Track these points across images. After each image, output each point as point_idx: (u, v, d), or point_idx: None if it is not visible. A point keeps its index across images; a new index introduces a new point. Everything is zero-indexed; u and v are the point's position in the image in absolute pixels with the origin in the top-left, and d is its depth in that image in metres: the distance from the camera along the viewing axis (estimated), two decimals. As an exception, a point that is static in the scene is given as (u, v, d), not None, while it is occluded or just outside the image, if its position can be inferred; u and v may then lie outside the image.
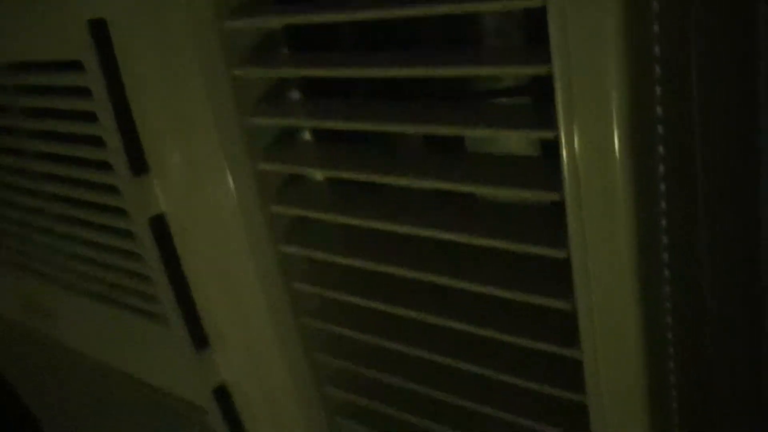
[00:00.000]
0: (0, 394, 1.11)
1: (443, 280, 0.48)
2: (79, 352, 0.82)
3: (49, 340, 0.87)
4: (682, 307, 0.43)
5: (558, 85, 0.36)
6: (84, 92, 0.56)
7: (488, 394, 0.53)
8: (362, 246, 0.53)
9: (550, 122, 0.38)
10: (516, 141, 0.50)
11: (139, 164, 0.57)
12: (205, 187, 0.56)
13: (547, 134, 0.38)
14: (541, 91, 0.46)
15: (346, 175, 0.49)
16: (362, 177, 0.48)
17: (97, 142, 0.58)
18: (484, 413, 0.53)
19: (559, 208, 0.41)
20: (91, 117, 0.57)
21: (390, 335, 0.55)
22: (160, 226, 0.60)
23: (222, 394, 0.68)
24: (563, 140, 0.38)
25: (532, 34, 0.46)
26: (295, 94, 0.54)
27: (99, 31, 0.53)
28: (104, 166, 0.59)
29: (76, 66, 0.55)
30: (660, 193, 0.39)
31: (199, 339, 0.65)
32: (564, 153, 0.38)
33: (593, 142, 0.37)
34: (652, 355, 0.42)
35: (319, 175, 0.57)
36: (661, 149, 0.38)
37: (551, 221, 0.44)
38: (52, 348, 0.88)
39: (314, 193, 0.56)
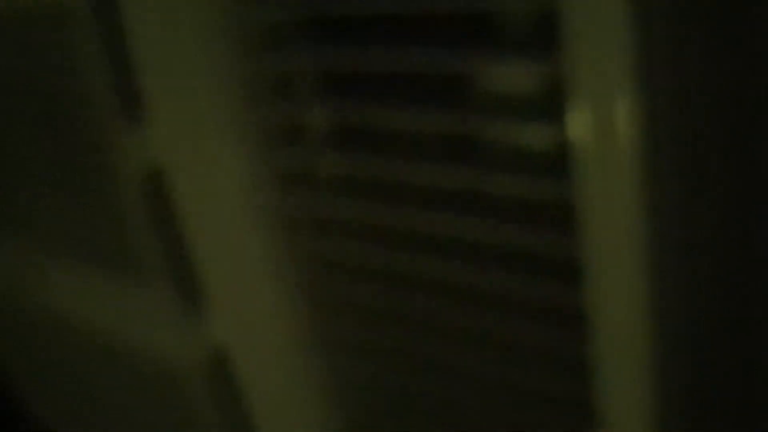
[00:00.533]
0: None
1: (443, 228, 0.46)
2: (70, 321, 0.81)
3: (43, 312, 0.85)
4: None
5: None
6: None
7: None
8: (361, 195, 0.52)
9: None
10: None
11: (135, 111, 0.54)
12: (206, 138, 0.54)
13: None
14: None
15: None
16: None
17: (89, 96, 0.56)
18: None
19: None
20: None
21: (388, 295, 0.54)
22: (157, 182, 0.58)
23: (217, 357, 0.66)
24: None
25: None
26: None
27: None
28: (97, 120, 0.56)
29: None
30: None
31: (194, 300, 0.64)
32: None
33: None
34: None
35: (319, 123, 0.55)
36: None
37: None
38: (45, 320, 0.87)
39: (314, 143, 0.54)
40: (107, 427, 0.90)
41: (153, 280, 0.65)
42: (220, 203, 0.57)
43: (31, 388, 1.04)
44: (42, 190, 0.69)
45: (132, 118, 0.55)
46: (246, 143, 0.53)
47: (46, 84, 0.62)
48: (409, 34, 0.45)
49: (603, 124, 0.38)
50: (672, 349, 0.46)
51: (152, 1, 0.50)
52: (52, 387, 0.98)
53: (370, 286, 0.55)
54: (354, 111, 0.48)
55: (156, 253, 0.63)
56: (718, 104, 0.39)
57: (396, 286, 0.53)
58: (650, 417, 0.47)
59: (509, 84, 0.47)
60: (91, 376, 0.86)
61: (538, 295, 0.46)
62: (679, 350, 0.46)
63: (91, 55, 0.54)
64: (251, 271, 0.59)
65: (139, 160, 0.56)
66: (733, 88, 0.38)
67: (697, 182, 0.41)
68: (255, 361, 0.66)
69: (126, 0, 0.51)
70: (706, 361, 0.48)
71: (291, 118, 0.52)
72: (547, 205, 0.45)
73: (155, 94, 0.54)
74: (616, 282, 0.42)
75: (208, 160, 0.55)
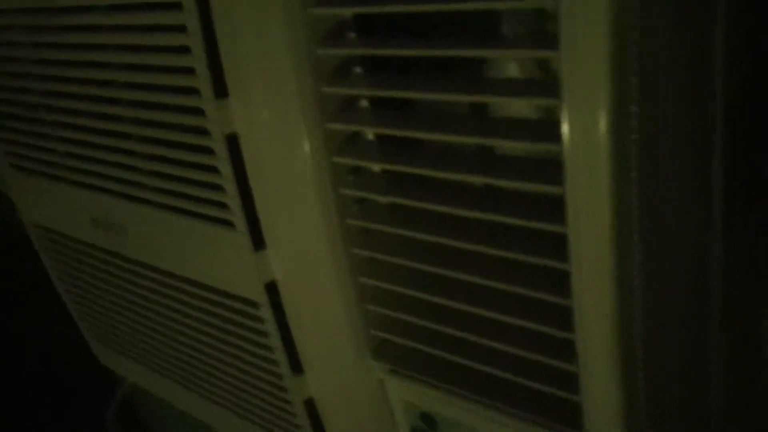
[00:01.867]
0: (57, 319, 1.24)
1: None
2: (142, 263, 0.95)
3: (116, 259, 1.00)
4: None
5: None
6: (180, 29, 0.70)
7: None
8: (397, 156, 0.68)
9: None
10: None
11: (221, 88, 0.71)
12: (276, 111, 0.70)
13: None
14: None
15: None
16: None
17: (185, 71, 0.72)
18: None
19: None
20: (181, 51, 0.71)
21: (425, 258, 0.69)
22: (234, 144, 0.74)
23: (273, 290, 0.81)
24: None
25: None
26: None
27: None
28: (189, 91, 0.73)
29: (172, 6, 0.69)
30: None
31: (258, 240, 0.78)
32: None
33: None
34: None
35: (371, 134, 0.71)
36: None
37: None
38: (117, 266, 1.01)
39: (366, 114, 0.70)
40: (168, 353, 1.05)
41: (226, 223, 0.79)
42: (281, 164, 0.73)
43: (89, 320, 1.18)
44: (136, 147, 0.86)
45: (219, 94, 0.71)
46: (307, 111, 0.69)
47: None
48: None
49: (589, 125, 0.50)
50: (654, 347, 0.56)
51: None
52: (112, 318, 1.12)
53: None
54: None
55: (233, 200, 0.77)
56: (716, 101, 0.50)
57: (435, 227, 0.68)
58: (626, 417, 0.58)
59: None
60: (156, 315, 1.00)
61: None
62: (662, 349, 0.57)
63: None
64: (306, 213, 0.74)
65: (224, 125, 0.73)
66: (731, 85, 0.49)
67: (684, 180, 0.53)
68: (303, 294, 0.80)
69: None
70: (689, 363, 0.58)
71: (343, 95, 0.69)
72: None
73: (237, 78, 0.71)
74: (599, 283, 0.54)
75: (275, 127, 0.71)
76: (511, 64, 0.64)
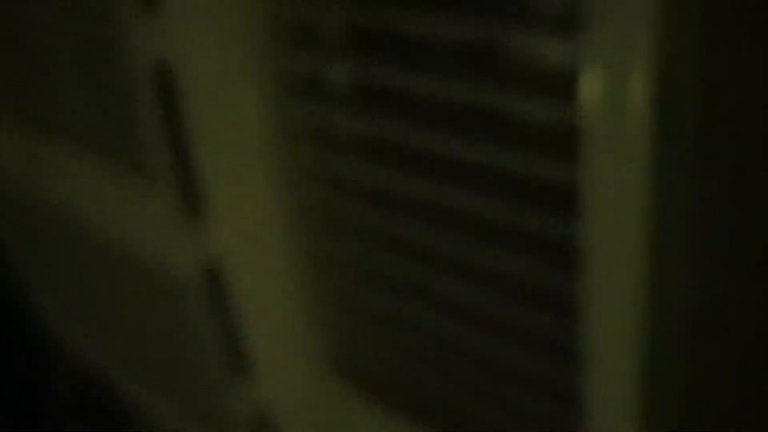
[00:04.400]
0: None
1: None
2: (75, 219, 0.82)
3: (47, 207, 0.87)
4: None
5: None
6: None
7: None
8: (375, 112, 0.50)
9: None
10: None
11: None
12: (217, 32, 0.52)
13: None
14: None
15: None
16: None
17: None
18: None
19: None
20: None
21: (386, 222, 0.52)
22: (164, 74, 0.57)
23: (213, 268, 0.66)
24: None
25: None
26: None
27: None
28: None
29: None
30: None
31: (194, 204, 0.63)
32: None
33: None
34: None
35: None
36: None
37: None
38: (49, 215, 0.88)
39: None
40: (102, 326, 0.92)
41: (157, 184, 0.64)
42: (226, 114, 0.56)
43: (33, 286, 1.07)
44: (54, 79, 0.70)
45: (147, 12, 0.54)
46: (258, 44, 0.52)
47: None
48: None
49: (615, 101, 0.35)
50: (668, 345, 0.44)
51: None
52: (53, 286, 1.01)
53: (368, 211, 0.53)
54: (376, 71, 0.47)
55: (162, 157, 0.62)
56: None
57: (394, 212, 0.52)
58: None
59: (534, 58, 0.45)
60: (90, 276, 0.87)
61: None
62: (676, 347, 0.44)
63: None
64: (253, 186, 0.58)
65: (149, 55, 0.56)
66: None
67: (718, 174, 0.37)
68: (248, 274, 0.65)
69: None
70: (704, 362, 0.45)
71: (312, 71, 0.52)
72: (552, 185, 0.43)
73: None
74: (615, 270, 0.40)
75: (217, 56, 0.54)
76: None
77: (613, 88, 0.35)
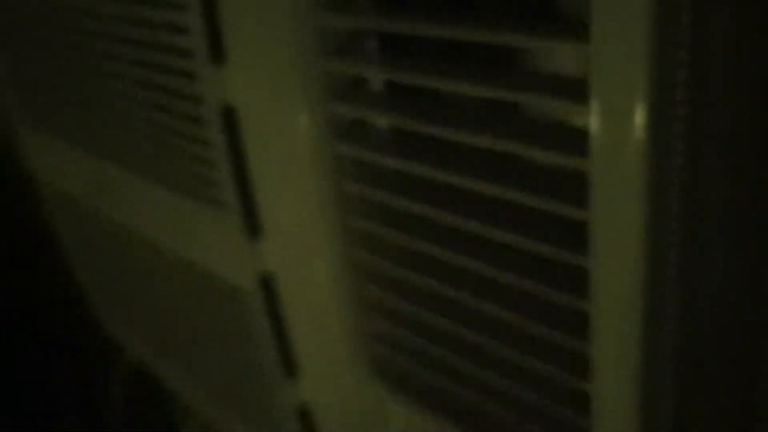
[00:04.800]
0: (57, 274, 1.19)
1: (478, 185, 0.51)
2: (139, 235, 0.88)
3: (114, 225, 0.94)
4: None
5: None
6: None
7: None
8: (411, 152, 0.57)
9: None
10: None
11: (218, 52, 0.62)
12: (275, 82, 0.60)
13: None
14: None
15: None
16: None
17: (180, 31, 0.63)
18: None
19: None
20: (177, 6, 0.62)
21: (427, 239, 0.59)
22: (230, 118, 0.65)
23: (267, 281, 0.73)
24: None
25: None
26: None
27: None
28: (184, 54, 0.64)
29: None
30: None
31: (254, 228, 0.70)
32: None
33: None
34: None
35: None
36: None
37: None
38: (116, 232, 0.95)
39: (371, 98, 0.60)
40: (163, 333, 0.99)
41: (222, 210, 0.72)
42: (280, 146, 0.63)
43: (101, 303, 1.14)
44: (126, 118, 0.78)
45: (215, 59, 0.62)
46: (309, 92, 0.60)
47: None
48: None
49: (618, 117, 0.39)
50: (666, 345, 0.48)
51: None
52: (120, 302, 1.07)
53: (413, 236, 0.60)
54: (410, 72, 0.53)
55: (227, 188, 0.70)
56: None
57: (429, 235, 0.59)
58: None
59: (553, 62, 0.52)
60: (155, 288, 0.93)
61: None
62: (674, 349, 0.49)
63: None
64: (303, 213, 0.65)
65: (219, 93, 0.63)
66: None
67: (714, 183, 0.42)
68: (298, 286, 0.72)
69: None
70: (703, 363, 0.50)
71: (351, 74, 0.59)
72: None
73: (234, 41, 0.61)
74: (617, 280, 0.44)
75: (275, 101, 0.61)
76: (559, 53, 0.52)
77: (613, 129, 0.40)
